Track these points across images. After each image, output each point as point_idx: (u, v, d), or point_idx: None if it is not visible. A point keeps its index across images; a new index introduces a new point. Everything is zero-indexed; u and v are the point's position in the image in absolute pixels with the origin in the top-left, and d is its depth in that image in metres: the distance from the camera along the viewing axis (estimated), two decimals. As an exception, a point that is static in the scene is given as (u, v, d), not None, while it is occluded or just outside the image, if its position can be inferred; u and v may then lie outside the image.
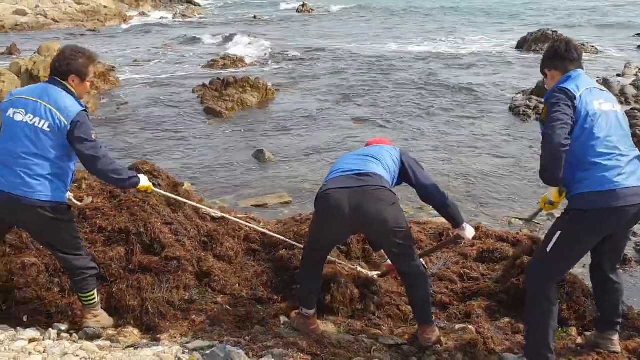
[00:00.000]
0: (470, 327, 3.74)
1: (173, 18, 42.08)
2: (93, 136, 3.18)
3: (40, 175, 3.13)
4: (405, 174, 3.61)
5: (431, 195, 3.59)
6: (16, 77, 13.72)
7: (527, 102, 11.49)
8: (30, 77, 13.66)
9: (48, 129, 3.10)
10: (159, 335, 3.58)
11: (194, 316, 3.78)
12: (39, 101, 3.13)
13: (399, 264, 3.54)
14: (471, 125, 10.45)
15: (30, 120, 3.10)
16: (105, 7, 44.34)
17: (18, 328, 3.49)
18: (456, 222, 3.67)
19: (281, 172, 7.92)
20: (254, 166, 8.29)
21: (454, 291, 4.31)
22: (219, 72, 16.79)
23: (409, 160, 3.65)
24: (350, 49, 21.55)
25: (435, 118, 11.00)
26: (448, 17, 32.72)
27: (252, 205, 6.57)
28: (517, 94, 12.53)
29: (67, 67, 3.22)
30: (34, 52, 18.82)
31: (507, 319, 3.92)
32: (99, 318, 3.56)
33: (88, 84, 3.36)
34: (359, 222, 3.34)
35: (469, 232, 3.70)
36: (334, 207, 3.28)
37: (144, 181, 3.48)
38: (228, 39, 26.67)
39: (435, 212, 6.19)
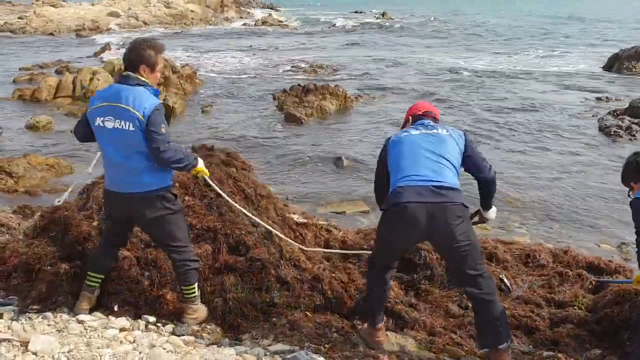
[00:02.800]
0: (559, 355, 3.56)
1: (255, 24, 43.13)
2: (162, 129, 3.27)
3: (142, 169, 3.30)
4: (466, 162, 3.47)
5: (482, 165, 3.48)
6: (110, 75, 14.48)
7: (619, 122, 10.93)
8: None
9: (133, 129, 3.24)
10: (240, 335, 3.64)
11: (274, 319, 3.81)
12: (120, 105, 3.25)
13: (475, 284, 3.32)
14: (557, 144, 10.03)
15: (118, 125, 3.25)
16: (192, 11, 46.12)
17: (110, 317, 3.65)
18: (491, 202, 3.68)
19: (359, 181, 7.90)
20: (332, 173, 8.32)
21: (540, 316, 4.12)
22: (299, 78, 17.05)
23: (474, 151, 3.49)
24: (432, 59, 21.31)
25: (520, 136, 10.64)
26: (533, 29, 31.69)
27: (330, 212, 6.58)
28: (607, 113, 11.93)
29: (137, 58, 3.34)
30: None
31: (598, 351, 3.70)
32: (197, 314, 3.68)
33: (158, 73, 3.46)
34: (431, 237, 3.32)
35: (493, 211, 3.75)
36: (409, 221, 3.22)
37: (201, 164, 3.61)
38: (307, 45, 27.04)
39: (520, 231, 6.02)
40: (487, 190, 3.60)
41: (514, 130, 10.92)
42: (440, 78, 17.38)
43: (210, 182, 3.95)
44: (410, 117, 3.74)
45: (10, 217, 5.16)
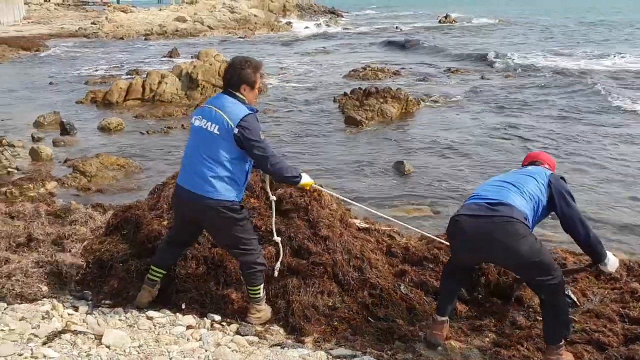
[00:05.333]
0: (636, 373, 3.39)
1: (317, 27, 43.47)
2: (261, 136, 3.36)
3: (214, 176, 3.36)
4: (551, 202, 3.44)
5: (574, 229, 3.43)
6: (177, 79, 14.92)
7: None
8: (189, 80, 14.79)
9: (218, 133, 3.33)
10: (303, 338, 3.66)
11: (336, 323, 3.82)
12: (213, 107, 3.39)
13: (539, 293, 3.42)
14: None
15: (204, 125, 3.37)
16: (255, 16, 46.99)
17: (177, 314, 3.76)
18: (597, 258, 3.54)
19: (422, 186, 7.79)
20: (394, 177, 8.25)
21: (613, 331, 3.93)
22: (359, 82, 17.03)
23: (558, 188, 3.45)
24: (504, 62, 20.85)
25: (611, 146, 9.87)
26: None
27: (392, 217, 6.51)
28: None
29: (238, 78, 3.44)
30: (192, 57, 20.44)
31: (678, 371, 3.49)
32: (262, 314, 3.74)
33: (257, 91, 3.56)
34: (487, 253, 3.38)
35: (611, 265, 3.55)
36: (459, 234, 3.37)
37: (306, 178, 3.66)
38: (369, 48, 27.00)
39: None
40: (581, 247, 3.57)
41: (606, 136, 10.43)
42: (506, 79, 16.97)
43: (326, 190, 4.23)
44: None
45: (91, 213, 5.39)
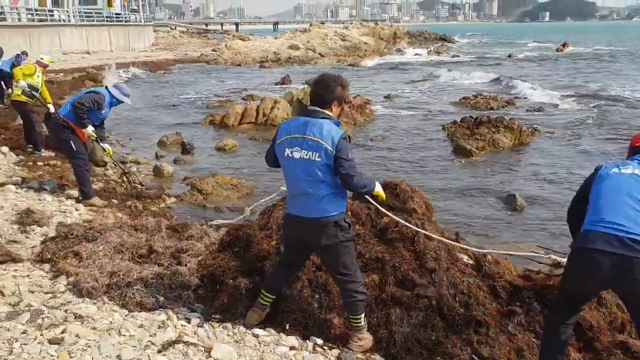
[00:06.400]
0: None
1: (427, 55, 43.25)
2: (350, 155, 3.42)
3: (323, 196, 3.46)
4: None
5: None
6: (288, 105, 15.46)
7: None
8: (300, 105, 15.26)
9: (319, 159, 3.41)
10: (403, 369, 3.60)
11: (439, 358, 3.72)
12: (306, 137, 3.44)
13: None
14: None
15: (305, 155, 3.44)
16: (365, 43, 47.72)
17: (281, 334, 3.85)
18: None
19: (533, 222, 7.43)
20: (503, 211, 7.94)
21: None
22: (470, 110, 16.69)
23: None
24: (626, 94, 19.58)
25: None
26: None
27: (501, 253, 6.26)
28: None
29: (330, 96, 3.50)
30: (303, 83, 21.10)
31: None
32: (363, 342, 3.74)
33: (341, 107, 3.65)
34: (615, 287, 3.19)
35: None
36: (591, 269, 3.09)
37: (380, 188, 3.73)
38: (480, 76, 26.43)
39: None
40: None
41: None
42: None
43: (379, 207, 4.13)
44: (631, 148, 3.50)
45: (206, 229, 5.70)
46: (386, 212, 4.32)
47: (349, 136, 3.52)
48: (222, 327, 3.85)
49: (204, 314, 4.05)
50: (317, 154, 3.40)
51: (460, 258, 4.50)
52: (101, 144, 7.42)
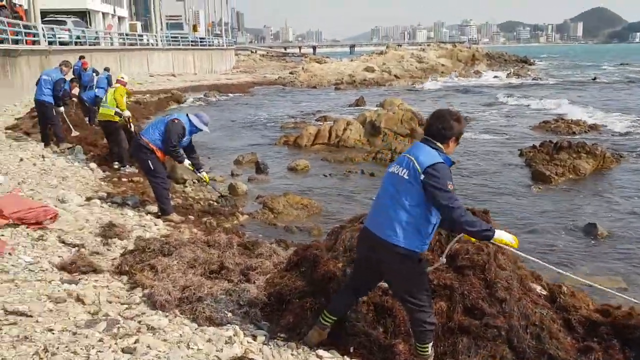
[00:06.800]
0: None
1: (506, 77, 42.20)
2: (449, 186, 3.25)
3: (397, 221, 3.37)
4: None
5: None
6: (361, 126, 15.52)
7: None
8: (372, 127, 15.30)
9: (407, 177, 3.35)
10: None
11: (507, 392, 3.58)
12: (407, 155, 3.45)
13: None
14: None
15: (397, 170, 3.45)
16: (442, 65, 47.25)
17: (345, 357, 3.84)
18: None
19: (616, 254, 7.03)
20: (583, 241, 7.56)
21: None
22: (549, 134, 16.10)
23: None
24: None
25: None
26: None
27: (580, 284, 5.95)
28: None
29: (449, 132, 3.42)
30: (377, 105, 21.16)
31: None
32: (428, 372, 3.66)
33: (457, 144, 3.55)
34: None
35: None
36: None
37: (504, 235, 3.37)
38: (560, 99, 25.48)
39: None
40: None
41: None
42: None
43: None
44: None
45: (275, 248, 5.80)
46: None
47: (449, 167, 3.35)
48: (287, 346, 3.89)
49: (270, 332, 4.10)
50: (407, 172, 3.35)
51: (534, 288, 4.32)
52: (198, 173, 7.76)
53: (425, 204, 3.31)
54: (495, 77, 42.69)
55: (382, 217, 3.44)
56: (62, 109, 11.32)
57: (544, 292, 4.38)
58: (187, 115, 7.43)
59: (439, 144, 3.42)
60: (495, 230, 3.36)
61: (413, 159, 3.35)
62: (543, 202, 9.59)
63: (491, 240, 3.35)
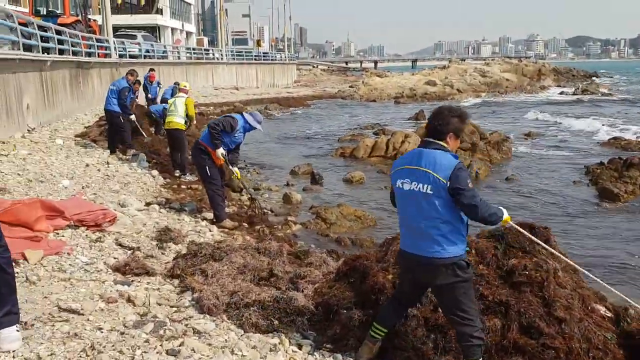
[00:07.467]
0: None
1: (573, 93, 40.69)
2: (469, 185, 3.24)
3: (436, 234, 3.30)
4: None
5: None
6: (419, 139, 15.22)
7: None
8: (431, 141, 15.00)
9: (431, 192, 3.27)
10: None
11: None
12: (419, 168, 3.32)
13: None
14: None
15: (415, 187, 3.33)
16: (507, 79, 46.15)
17: (391, 372, 3.70)
18: None
19: (692, 277, 6.53)
20: (653, 263, 7.08)
21: None
22: (619, 151, 15.35)
23: None
24: None
25: None
26: None
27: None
28: None
29: (445, 127, 3.37)
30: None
31: None
32: (479, 389, 3.49)
33: (459, 140, 3.50)
34: None
35: None
36: None
37: (506, 214, 3.52)
38: (630, 115, 24.31)
39: None
40: None
41: None
42: None
43: (520, 229, 3.97)
44: None
45: (326, 258, 5.74)
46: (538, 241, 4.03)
47: (464, 165, 3.37)
48: (332, 358, 3.80)
49: (316, 342, 4.03)
50: (428, 186, 3.28)
51: (597, 309, 4.04)
52: (230, 167, 7.82)
53: (456, 208, 3.31)
54: (562, 92, 41.28)
55: (416, 235, 3.37)
56: (133, 116, 11.82)
57: (609, 314, 4.09)
58: (242, 114, 7.67)
59: (441, 142, 3.35)
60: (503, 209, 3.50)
61: (430, 171, 3.26)
62: (610, 220, 9.09)
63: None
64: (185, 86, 11.02)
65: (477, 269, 4.16)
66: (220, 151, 7.37)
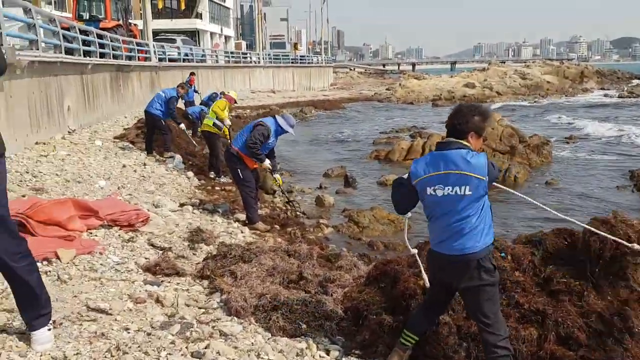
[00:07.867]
0: None
1: (619, 96, 39.41)
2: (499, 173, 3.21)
3: (478, 232, 3.21)
4: None
5: None
6: (457, 142, 14.99)
7: None
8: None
9: (470, 192, 3.17)
10: None
11: None
12: (450, 171, 3.20)
13: None
14: None
15: (452, 191, 3.21)
16: (548, 82, 45.10)
17: (421, 380, 3.58)
18: None
19: None
20: None
21: None
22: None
23: None
24: None
25: None
26: None
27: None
28: None
29: (466, 126, 3.26)
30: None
31: None
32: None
33: (482, 139, 3.37)
34: None
35: None
36: None
37: None
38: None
39: None
40: None
41: None
42: None
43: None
44: None
45: (357, 262, 5.65)
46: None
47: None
48: (361, 364, 3.71)
49: (344, 348, 3.94)
50: (467, 187, 3.17)
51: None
52: (273, 174, 7.88)
53: (486, 200, 3.28)
54: (606, 95, 40.06)
55: (448, 236, 3.27)
56: (183, 125, 12.22)
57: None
58: (275, 117, 7.62)
59: (463, 141, 3.23)
60: None
61: (466, 172, 3.16)
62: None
63: None
64: (228, 92, 11.32)
65: (513, 276, 4.00)
66: (267, 163, 7.48)
